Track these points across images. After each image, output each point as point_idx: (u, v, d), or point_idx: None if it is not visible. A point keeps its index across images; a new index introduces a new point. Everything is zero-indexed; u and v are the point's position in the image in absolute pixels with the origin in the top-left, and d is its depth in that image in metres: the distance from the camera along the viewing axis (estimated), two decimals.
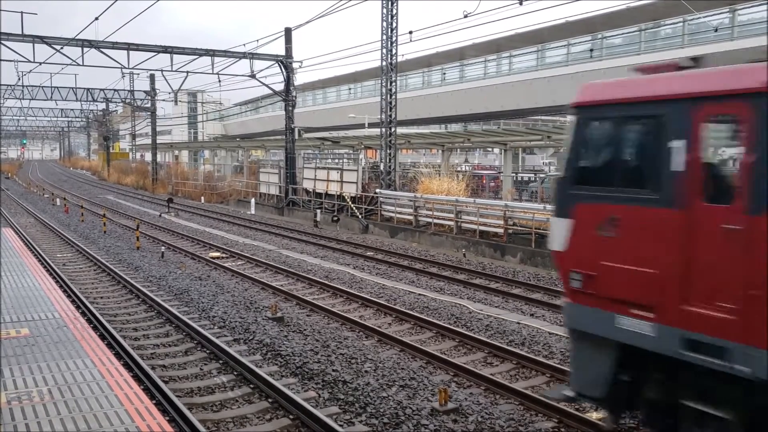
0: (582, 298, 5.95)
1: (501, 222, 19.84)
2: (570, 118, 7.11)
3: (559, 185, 6.36)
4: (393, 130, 26.52)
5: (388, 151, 26.46)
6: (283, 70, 31.36)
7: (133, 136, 66.76)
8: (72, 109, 68.65)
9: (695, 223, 5.10)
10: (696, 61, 5.81)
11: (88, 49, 27.59)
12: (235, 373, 8.91)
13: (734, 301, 4.80)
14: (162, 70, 32.32)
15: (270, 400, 7.96)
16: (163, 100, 50.32)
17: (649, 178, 5.45)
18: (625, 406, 6.06)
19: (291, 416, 7.47)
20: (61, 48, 27.27)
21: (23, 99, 46.36)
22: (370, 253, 19.51)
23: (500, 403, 7.85)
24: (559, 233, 6.18)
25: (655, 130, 5.48)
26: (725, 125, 5.48)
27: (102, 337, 9.84)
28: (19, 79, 36.96)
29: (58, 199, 36.91)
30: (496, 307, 12.70)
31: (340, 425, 7.16)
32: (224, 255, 18.86)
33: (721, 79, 5.17)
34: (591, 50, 29.92)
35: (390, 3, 25.15)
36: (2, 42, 25.62)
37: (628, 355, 5.62)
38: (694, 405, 5.22)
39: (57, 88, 44.42)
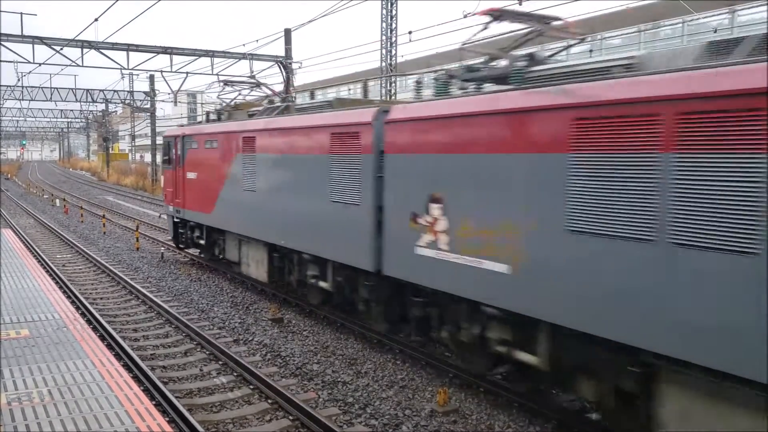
0: (167, 202, 17.98)
1: None
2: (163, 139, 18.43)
3: (162, 165, 19.35)
4: None
5: None
6: (283, 70, 31.36)
7: (133, 137, 66.71)
8: (71, 110, 68.66)
9: (177, 174, 16.86)
10: (199, 122, 19.91)
11: (87, 50, 27.56)
12: (235, 374, 8.92)
13: (180, 196, 16.78)
14: (162, 71, 32.29)
15: (270, 400, 7.97)
16: (163, 101, 50.30)
17: (171, 160, 17.31)
18: (184, 245, 17.70)
19: (291, 417, 7.48)
20: (61, 49, 27.25)
21: (23, 100, 46.33)
22: None
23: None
24: (162, 180, 19.96)
25: (174, 144, 17.12)
26: (187, 144, 16.37)
27: (102, 338, 9.86)
28: (19, 79, 36.88)
29: (57, 200, 36.91)
30: None
31: (340, 426, 7.18)
32: None
33: (178, 130, 17.33)
34: (590, 51, 29.93)
35: (389, 3, 25.17)
36: (2, 43, 25.61)
37: (179, 221, 17.46)
38: (191, 233, 17.22)
39: (56, 88, 44.40)
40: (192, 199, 16.02)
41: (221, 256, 15.61)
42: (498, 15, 8.34)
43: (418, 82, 10.71)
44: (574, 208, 6.16)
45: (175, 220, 17.63)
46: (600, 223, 5.93)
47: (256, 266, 13.39)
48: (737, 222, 4.91)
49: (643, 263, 5.58)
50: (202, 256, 17.28)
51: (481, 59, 8.52)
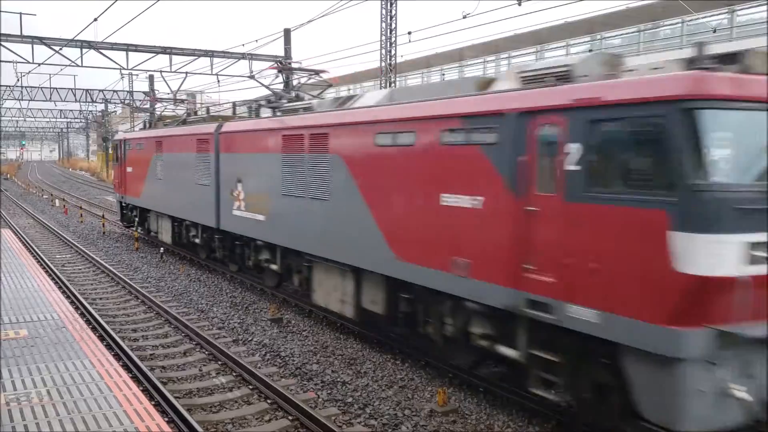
0: (115, 190, 24.16)
1: None
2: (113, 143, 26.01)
3: (112, 162, 27.26)
4: None
5: None
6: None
7: None
8: (71, 110, 68.49)
9: (121, 169, 22.47)
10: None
11: (87, 50, 27.48)
12: (235, 374, 8.91)
13: (122, 185, 22.45)
14: (161, 71, 32.21)
15: (269, 401, 7.96)
16: (162, 101, 50.24)
17: (117, 158, 23.25)
18: (127, 223, 23.05)
19: (290, 417, 7.47)
20: (60, 49, 27.20)
21: (22, 100, 46.25)
22: None
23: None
24: (113, 174, 27.11)
25: (119, 146, 23.03)
26: (127, 146, 22.14)
27: (101, 338, 9.84)
28: (18, 80, 36.84)
29: (57, 200, 36.88)
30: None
31: (339, 426, 7.17)
32: None
33: (121, 135, 24.73)
34: (590, 51, 29.92)
35: (389, 4, 25.15)
36: (1, 43, 25.59)
37: (124, 205, 22.99)
38: (130, 213, 22.55)
39: (56, 89, 44.28)
40: (129, 187, 21.70)
41: (149, 230, 21.07)
42: (281, 69, 14.72)
43: (249, 107, 18.47)
44: (283, 182, 11.43)
45: (122, 204, 23.23)
46: (290, 188, 11.24)
47: (166, 233, 18.99)
48: (323, 186, 10.23)
49: (301, 208, 10.90)
50: (141, 231, 22.03)
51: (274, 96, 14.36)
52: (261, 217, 12.40)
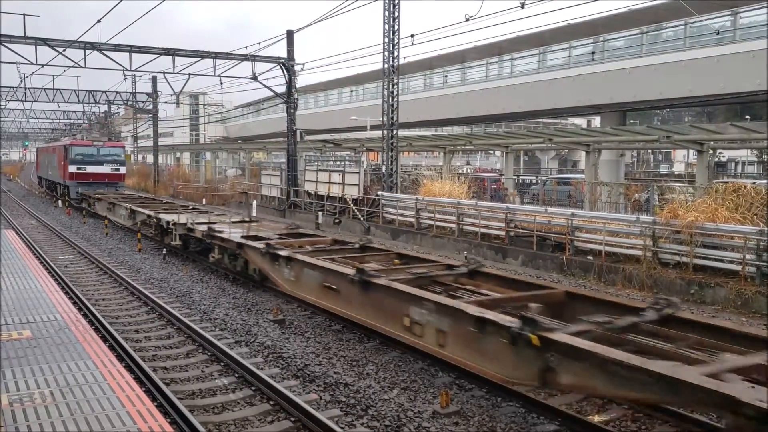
0: (35, 170, 62.59)
1: (502, 225, 19.86)
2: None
3: (37, 160, 64.76)
4: (395, 132, 26.53)
5: (390, 153, 26.47)
6: (285, 72, 31.36)
7: (135, 139, 66.77)
8: (74, 111, 68.59)
9: (36, 161, 65.17)
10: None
11: (90, 51, 27.59)
12: (237, 375, 8.91)
13: (36, 168, 63.31)
14: (164, 73, 32.30)
15: (271, 402, 7.96)
16: (165, 102, 50.29)
17: (36, 156, 64.63)
18: (39, 185, 56.02)
19: (292, 418, 7.46)
20: (64, 50, 27.31)
21: (25, 101, 46.35)
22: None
23: None
24: (35, 165, 66.84)
25: (36, 151, 64.23)
26: (40, 152, 57.85)
27: (104, 339, 9.84)
28: (22, 81, 37.01)
29: (59, 201, 36.96)
30: None
31: (342, 428, 7.16)
32: None
33: (37, 147, 71.16)
34: (593, 53, 29.91)
35: (392, 6, 25.16)
36: (4, 44, 25.66)
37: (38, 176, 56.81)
38: (40, 180, 56.88)
39: (59, 90, 44.41)
40: (38, 169, 53.53)
41: (45, 187, 47.45)
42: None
43: (53, 139, 63.57)
44: (53, 161, 41.12)
45: (38, 177, 52.83)
46: (53, 164, 41.92)
47: (46, 187, 46.94)
48: (55, 162, 41.35)
49: (55, 169, 40.49)
50: (42, 189, 49.00)
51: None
52: (51, 173, 41.51)
